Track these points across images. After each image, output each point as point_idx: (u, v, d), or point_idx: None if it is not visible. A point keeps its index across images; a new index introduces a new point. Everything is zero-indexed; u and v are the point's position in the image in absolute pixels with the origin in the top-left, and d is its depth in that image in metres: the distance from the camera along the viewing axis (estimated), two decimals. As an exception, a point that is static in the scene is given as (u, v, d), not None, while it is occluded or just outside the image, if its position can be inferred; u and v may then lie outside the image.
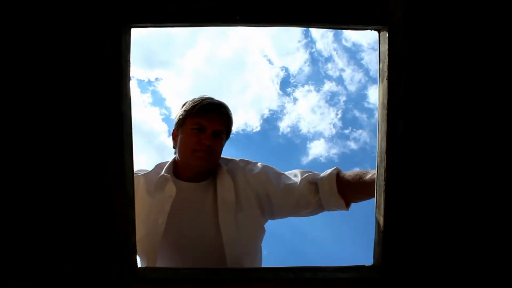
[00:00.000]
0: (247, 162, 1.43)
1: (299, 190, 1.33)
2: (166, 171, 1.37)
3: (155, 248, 1.25)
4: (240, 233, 1.29)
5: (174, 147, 1.43)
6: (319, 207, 1.35)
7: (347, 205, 1.32)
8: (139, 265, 0.82)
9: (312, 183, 1.34)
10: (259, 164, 1.42)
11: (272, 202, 1.36)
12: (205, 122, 1.33)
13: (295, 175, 1.39)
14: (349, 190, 1.29)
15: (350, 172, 1.31)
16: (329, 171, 1.33)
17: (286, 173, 1.42)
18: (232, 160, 1.45)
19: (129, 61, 0.77)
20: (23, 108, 0.76)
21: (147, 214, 1.30)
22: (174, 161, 1.41)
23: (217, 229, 1.28)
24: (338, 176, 1.31)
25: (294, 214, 1.40)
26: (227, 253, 1.25)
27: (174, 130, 1.42)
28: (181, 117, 1.38)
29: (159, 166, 1.42)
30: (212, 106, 1.35)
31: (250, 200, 1.35)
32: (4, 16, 0.74)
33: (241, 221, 1.31)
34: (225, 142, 1.42)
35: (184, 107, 1.39)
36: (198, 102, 1.36)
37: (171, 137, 1.45)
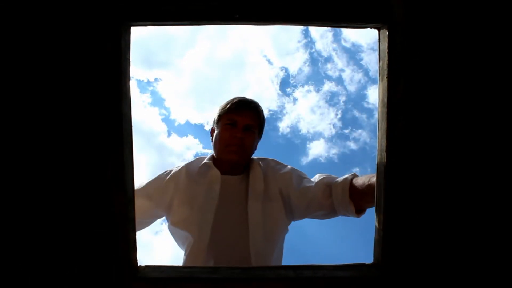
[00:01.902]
0: (277, 162, 1.54)
1: (313, 192, 1.38)
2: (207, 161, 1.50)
3: (209, 225, 1.34)
4: (265, 221, 1.37)
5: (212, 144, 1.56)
6: (332, 211, 1.38)
7: (361, 212, 1.33)
8: (139, 263, 0.82)
9: (327, 186, 1.37)
10: (288, 166, 1.51)
11: (291, 202, 1.42)
12: (236, 117, 1.44)
13: (315, 178, 1.45)
14: (360, 196, 1.29)
15: (363, 176, 1.32)
16: (345, 176, 1.36)
17: (310, 178, 1.48)
18: (265, 159, 1.56)
19: (129, 59, 0.77)
20: (22, 108, 0.76)
21: (194, 196, 1.41)
22: (212, 156, 1.53)
23: (245, 216, 1.36)
24: (352, 182, 1.32)
25: (309, 215, 1.45)
26: (251, 240, 1.32)
27: (212, 128, 1.55)
28: (216, 115, 1.51)
29: (199, 159, 1.54)
30: (242, 102, 1.48)
31: (276, 194, 1.43)
32: (2, 15, 0.74)
33: (268, 211, 1.39)
34: (257, 138, 1.52)
35: (220, 107, 1.52)
36: (230, 100, 1.49)
37: (210, 136, 1.59)
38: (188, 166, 1.51)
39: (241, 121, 1.44)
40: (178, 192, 1.45)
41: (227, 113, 1.47)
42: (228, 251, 1.33)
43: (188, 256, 1.38)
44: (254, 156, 1.55)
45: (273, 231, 1.40)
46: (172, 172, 1.50)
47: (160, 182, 1.48)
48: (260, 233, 1.35)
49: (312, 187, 1.40)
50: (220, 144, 1.46)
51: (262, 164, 1.50)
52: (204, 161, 1.50)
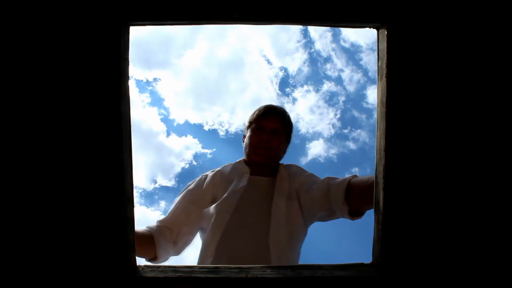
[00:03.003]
0: (300, 168, 1.64)
1: (315, 192, 1.43)
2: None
3: (231, 207, 1.44)
4: (287, 217, 1.43)
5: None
6: (332, 212, 1.40)
7: (357, 215, 1.34)
8: (138, 263, 0.82)
9: (328, 186, 1.40)
10: (308, 172, 1.61)
11: (301, 203, 1.49)
12: (263, 122, 1.60)
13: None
14: (357, 196, 1.29)
15: (363, 177, 1.33)
16: (346, 176, 1.38)
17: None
18: (290, 164, 1.67)
19: (127, 59, 0.77)
20: (20, 108, 0.76)
21: (224, 189, 1.53)
22: (243, 160, 1.67)
23: (268, 210, 1.43)
24: (350, 182, 1.33)
25: (315, 215, 1.49)
26: (271, 231, 1.38)
27: (243, 135, 1.71)
28: (247, 122, 1.68)
29: (230, 163, 1.68)
30: (269, 109, 1.64)
31: (295, 195, 1.51)
32: (2, 15, 0.74)
33: (290, 209, 1.46)
34: (285, 142, 1.65)
35: (250, 115, 1.69)
36: (259, 108, 1.66)
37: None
38: (222, 168, 1.65)
39: (268, 126, 1.59)
40: (215, 190, 1.56)
41: (256, 120, 1.62)
42: (246, 239, 1.38)
43: (206, 238, 1.44)
44: (282, 163, 1.66)
45: (293, 227, 1.45)
46: (209, 175, 1.63)
47: (200, 186, 1.60)
48: (281, 226, 1.40)
49: (315, 188, 1.45)
50: (249, 147, 1.60)
51: (287, 169, 1.62)
52: (235, 162, 1.66)
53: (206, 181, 1.59)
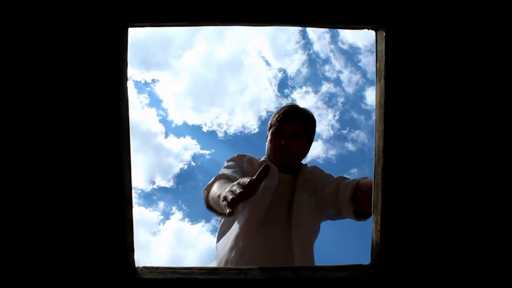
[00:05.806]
0: (320, 170, 1.71)
1: (327, 190, 1.48)
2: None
3: (267, 202, 1.49)
4: (309, 214, 1.50)
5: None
6: (340, 212, 1.43)
7: (363, 216, 1.36)
8: (137, 264, 0.82)
9: (338, 185, 1.44)
10: (326, 173, 1.66)
11: (315, 199, 1.55)
12: (283, 126, 1.63)
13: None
14: (362, 197, 1.31)
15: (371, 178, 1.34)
16: (358, 177, 1.42)
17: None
18: (312, 166, 1.74)
19: (126, 60, 0.77)
20: (19, 108, 0.76)
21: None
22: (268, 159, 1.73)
23: (290, 205, 1.50)
24: (359, 183, 1.34)
25: (325, 213, 1.54)
26: (293, 225, 1.44)
27: (266, 136, 1.75)
28: (269, 123, 1.73)
29: (259, 157, 1.76)
30: (289, 111, 1.66)
31: (313, 193, 1.57)
32: (1, 16, 0.74)
33: (310, 205, 1.52)
34: (306, 142, 1.67)
35: (271, 117, 1.73)
36: (279, 111, 1.70)
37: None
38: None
39: (287, 129, 1.62)
40: (249, 170, 1.63)
41: (276, 123, 1.66)
42: (272, 233, 1.46)
43: (241, 228, 1.48)
44: (305, 163, 1.72)
45: (312, 223, 1.51)
46: (246, 155, 1.71)
47: (241, 163, 1.67)
48: (304, 221, 1.46)
49: (328, 186, 1.49)
50: (270, 151, 1.65)
51: (309, 169, 1.68)
52: (262, 159, 1.71)
53: (245, 159, 1.67)
